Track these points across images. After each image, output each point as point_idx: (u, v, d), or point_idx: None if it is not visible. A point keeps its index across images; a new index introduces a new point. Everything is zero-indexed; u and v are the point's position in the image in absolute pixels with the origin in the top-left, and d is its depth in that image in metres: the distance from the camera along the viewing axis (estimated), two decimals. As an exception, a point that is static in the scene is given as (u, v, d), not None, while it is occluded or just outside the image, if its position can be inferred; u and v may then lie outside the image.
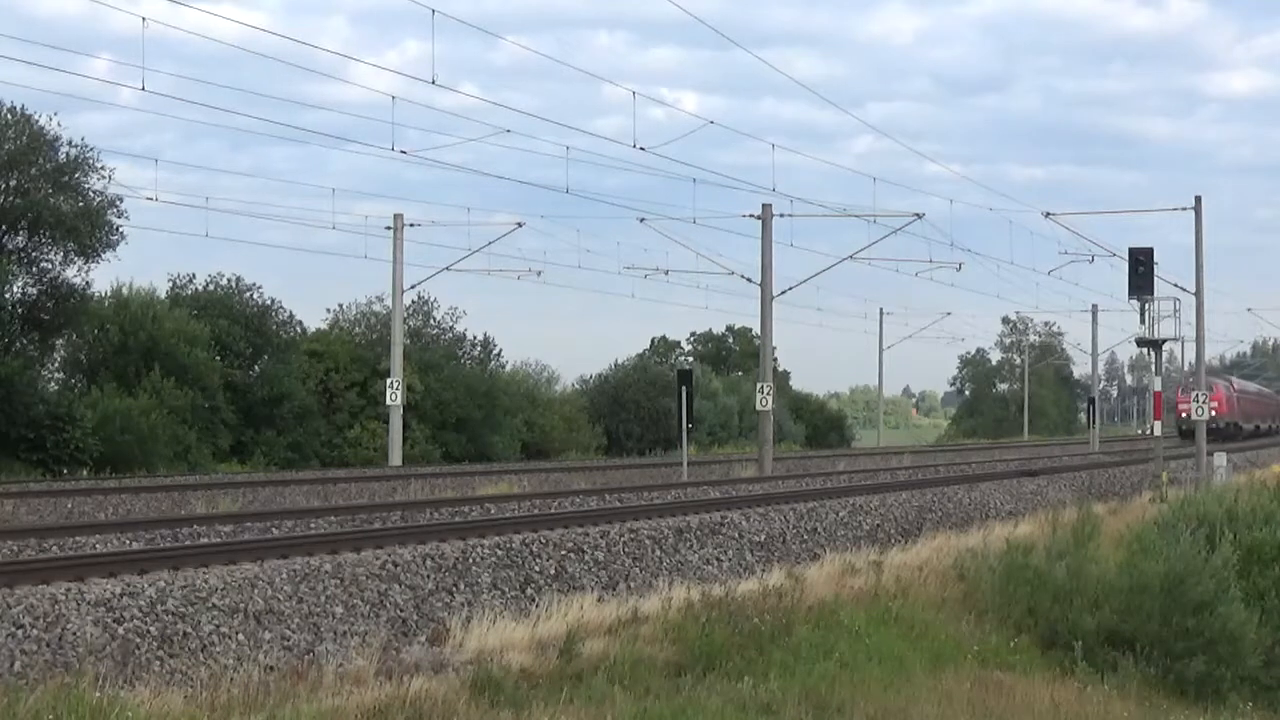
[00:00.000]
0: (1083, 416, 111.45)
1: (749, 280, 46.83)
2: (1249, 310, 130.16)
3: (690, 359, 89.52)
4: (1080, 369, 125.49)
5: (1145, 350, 47.63)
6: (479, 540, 17.78)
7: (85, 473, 39.43)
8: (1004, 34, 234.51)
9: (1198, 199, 47.53)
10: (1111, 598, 19.77)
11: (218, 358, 49.77)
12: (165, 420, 44.46)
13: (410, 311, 58.15)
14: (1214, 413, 71.09)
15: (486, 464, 50.44)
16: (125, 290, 49.47)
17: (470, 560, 16.93)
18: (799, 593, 17.25)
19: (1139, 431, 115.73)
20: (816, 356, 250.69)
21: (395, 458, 47.96)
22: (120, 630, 12.43)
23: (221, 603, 13.49)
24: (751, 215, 46.22)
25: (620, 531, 19.88)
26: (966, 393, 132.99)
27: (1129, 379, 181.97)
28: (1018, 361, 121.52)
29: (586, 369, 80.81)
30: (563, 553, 18.33)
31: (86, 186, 44.13)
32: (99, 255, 44.77)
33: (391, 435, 48.71)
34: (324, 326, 59.59)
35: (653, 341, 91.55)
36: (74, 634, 12.08)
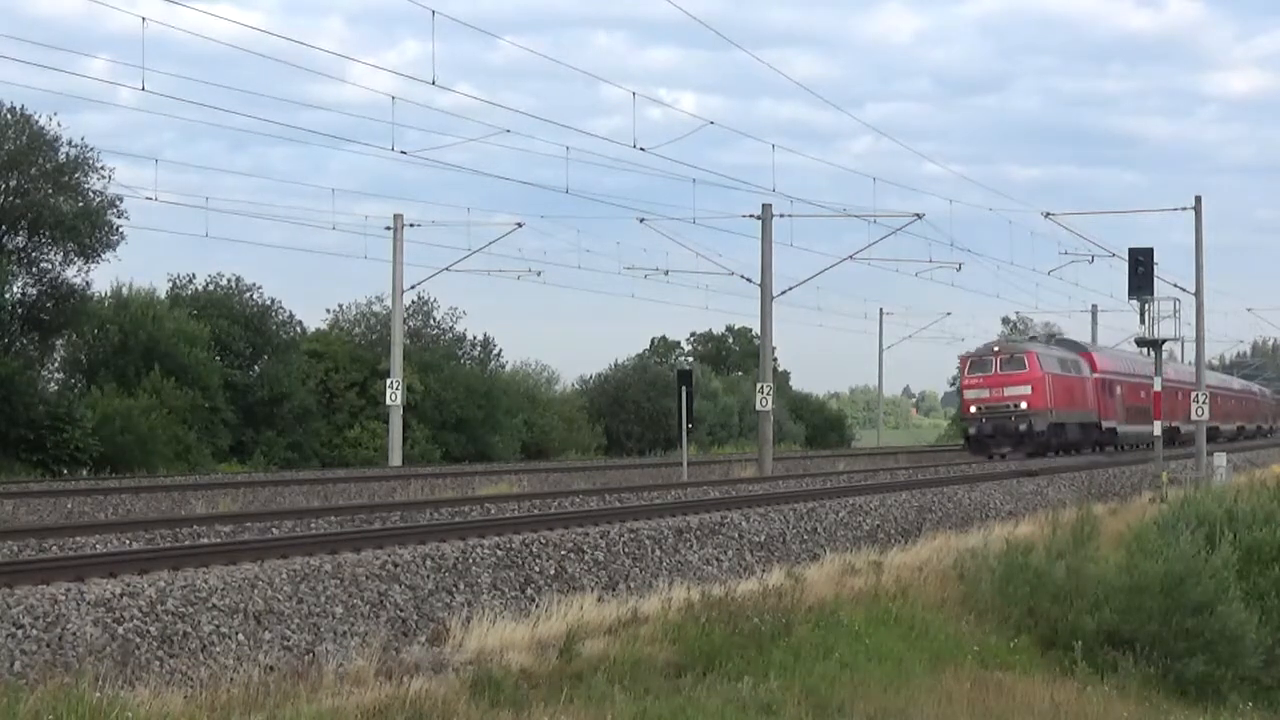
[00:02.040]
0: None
1: (749, 280, 46.89)
2: (1249, 310, 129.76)
3: (690, 359, 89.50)
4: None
5: (1145, 350, 47.66)
6: (479, 540, 17.78)
7: (85, 473, 39.47)
8: (1003, 34, 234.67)
9: (1198, 199, 47.59)
10: (1111, 598, 19.77)
11: (218, 358, 49.79)
12: (165, 420, 44.47)
13: (410, 312, 58.16)
14: (1024, 405, 50.04)
15: (486, 464, 50.45)
16: (125, 290, 49.53)
17: (470, 560, 16.93)
18: (799, 593, 17.25)
19: None
20: (816, 356, 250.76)
21: (395, 458, 47.97)
22: (120, 630, 12.43)
23: (221, 603, 13.49)
24: (751, 215, 46.29)
25: (620, 531, 19.88)
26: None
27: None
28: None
29: (586, 369, 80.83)
30: (563, 553, 18.32)
31: (86, 186, 44.19)
32: (99, 255, 44.84)
33: (391, 435, 48.72)
34: (324, 326, 59.65)
35: (653, 341, 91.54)
36: (74, 634, 12.08)
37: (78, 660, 11.69)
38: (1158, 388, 42.76)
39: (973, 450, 51.84)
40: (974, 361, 52.80)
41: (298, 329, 55.84)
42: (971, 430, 51.76)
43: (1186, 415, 67.84)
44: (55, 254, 44.50)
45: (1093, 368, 57.40)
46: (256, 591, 13.98)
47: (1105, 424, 57.48)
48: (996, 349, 52.79)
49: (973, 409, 51.42)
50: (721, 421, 78.62)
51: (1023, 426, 49.78)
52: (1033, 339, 59.29)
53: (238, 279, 53.71)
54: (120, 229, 44.99)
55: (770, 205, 45.82)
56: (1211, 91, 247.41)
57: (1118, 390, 59.24)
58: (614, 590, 18.02)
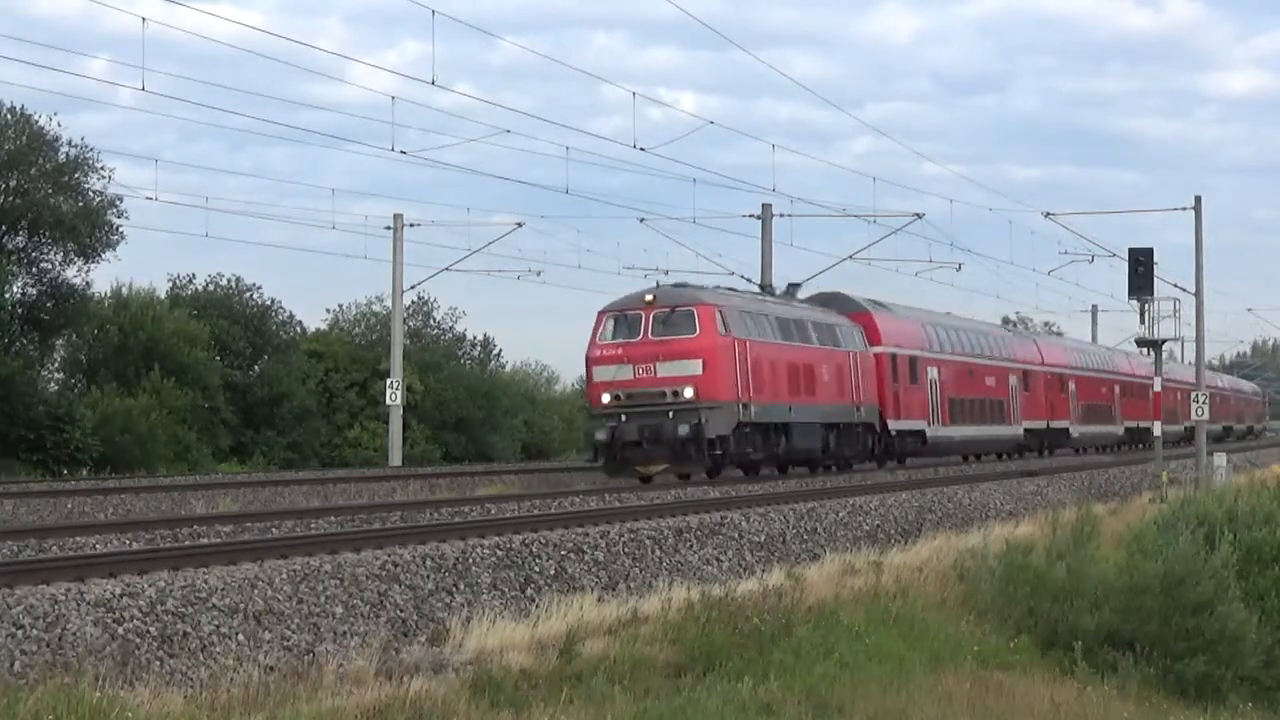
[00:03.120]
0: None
1: (749, 280, 46.90)
2: (1249, 310, 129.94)
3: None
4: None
5: (1145, 350, 47.67)
6: (479, 540, 17.77)
7: (85, 473, 39.46)
8: (1003, 34, 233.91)
9: (1198, 199, 47.58)
10: (1111, 598, 19.79)
11: (218, 358, 49.84)
12: (165, 420, 44.51)
13: (410, 312, 58.18)
14: (690, 392, 30.49)
15: (486, 464, 50.44)
16: (125, 290, 49.63)
17: (470, 560, 16.92)
18: (799, 593, 17.25)
19: None
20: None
21: (395, 458, 47.97)
22: (120, 630, 12.42)
23: (221, 603, 13.48)
24: (751, 215, 46.38)
25: (620, 531, 19.87)
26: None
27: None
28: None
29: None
30: (563, 553, 18.31)
31: (86, 186, 44.27)
32: (99, 255, 44.94)
33: (391, 435, 48.73)
34: (324, 326, 59.68)
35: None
36: (74, 634, 12.07)
37: (78, 660, 11.68)
38: (1157, 388, 42.68)
39: (608, 469, 31.53)
40: (617, 318, 31.67)
41: (298, 329, 55.91)
42: (601, 435, 31.16)
43: (1083, 412, 56.23)
44: (55, 254, 44.61)
45: (874, 339, 38.62)
46: (256, 591, 13.97)
47: (897, 425, 38.60)
48: (650, 298, 31.77)
49: (606, 398, 31.05)
50: (721, 421, 78.52)
51: (684, 430, 30.13)
52: (739, 291, 36.33)
53: (238, 279, 53.87)
54: (120, 229, 45.18)
55: (770, 205, 45.96)
56: (1211, 91, 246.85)
57: (931, 375, 40.97)
58: (614, 590, 18.01)
